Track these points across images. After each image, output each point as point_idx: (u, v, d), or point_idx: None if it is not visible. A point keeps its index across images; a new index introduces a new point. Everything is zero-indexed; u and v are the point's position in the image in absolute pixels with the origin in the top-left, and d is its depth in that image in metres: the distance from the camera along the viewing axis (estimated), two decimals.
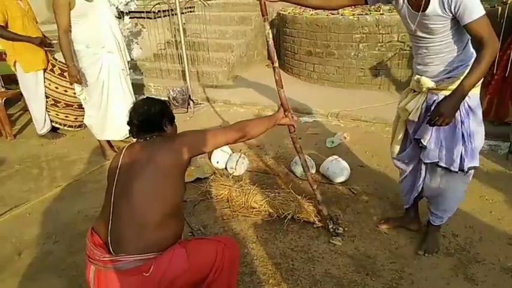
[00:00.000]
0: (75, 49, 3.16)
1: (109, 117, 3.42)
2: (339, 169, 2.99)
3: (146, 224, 1.44)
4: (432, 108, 1.87)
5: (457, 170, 1.95)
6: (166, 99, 1.75)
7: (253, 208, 2.63)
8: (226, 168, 3.27)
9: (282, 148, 3.67)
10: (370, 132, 3.93)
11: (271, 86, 5.36)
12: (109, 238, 1.43)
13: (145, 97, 1.75)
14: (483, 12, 1.67)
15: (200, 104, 5.08)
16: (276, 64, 2.03)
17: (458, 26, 1.77)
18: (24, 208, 2.86)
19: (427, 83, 1.93)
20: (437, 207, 2.19)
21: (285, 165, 3.30)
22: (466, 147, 1.91)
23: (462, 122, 1.89)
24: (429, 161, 2.02)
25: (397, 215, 2.55)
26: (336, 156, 3.12)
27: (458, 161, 1.93)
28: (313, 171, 3.08)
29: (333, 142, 3.69)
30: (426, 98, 1.98)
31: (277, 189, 2.77)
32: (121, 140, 3.64)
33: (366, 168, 3.22)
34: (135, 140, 1.67)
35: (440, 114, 1.75)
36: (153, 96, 1.68)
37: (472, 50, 1.89)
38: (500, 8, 4.48)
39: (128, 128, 1.65)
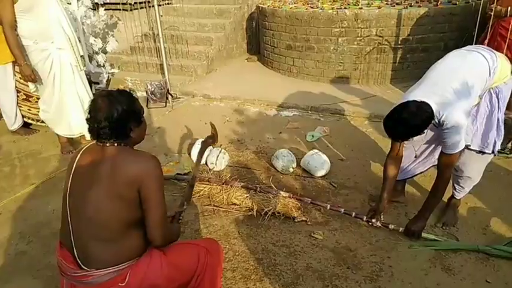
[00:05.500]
0: (23, 45, 3.06)
1: (64, 114, 3.36)
2: (319, 163, 3.00)
3: (109, 239, 1.34)
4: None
5: (490, 152, 2.18)
6: (128, 90, 1.49)
7: (234, 204, 2.62)
8: (206, 163, 3.23)
9: (262, 143, 3.65)
10: (350, 126, 3.97)
11: (251, 80, 5.36)
12: (76, 254, 1.35)
13: (105, 93, 1.42)
14: (460, 149, 1.95)
15: (179, 98, 5.00)
16: None
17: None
18: None
19: None
20: (460, 182, 2.39)
21: (265, 160, 3.29)
22: (498, 132, 2.14)
23: (499, 108, 2.11)
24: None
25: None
26: (316, 150, 3.14)
27: (492, 143, 2.16)
28: (294, 165, 3.09)
29: (313, 136, 3.71)
30: None
31: (258, 184, 2.76)
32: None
33: (346, 161, 3.24)
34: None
35: (412, 232, 2.21)
36: (114, 91, 1.44)
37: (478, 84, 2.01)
38: (474, 4, 4.61)
39: (87, 127, 1.41)
